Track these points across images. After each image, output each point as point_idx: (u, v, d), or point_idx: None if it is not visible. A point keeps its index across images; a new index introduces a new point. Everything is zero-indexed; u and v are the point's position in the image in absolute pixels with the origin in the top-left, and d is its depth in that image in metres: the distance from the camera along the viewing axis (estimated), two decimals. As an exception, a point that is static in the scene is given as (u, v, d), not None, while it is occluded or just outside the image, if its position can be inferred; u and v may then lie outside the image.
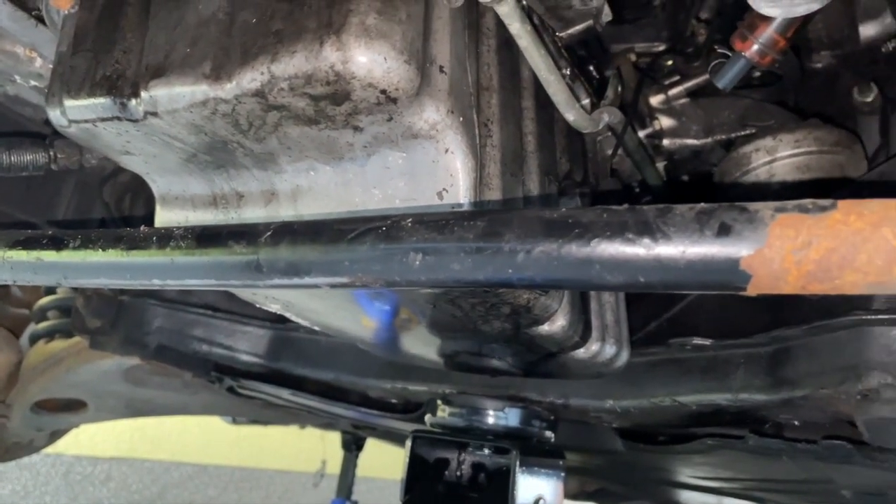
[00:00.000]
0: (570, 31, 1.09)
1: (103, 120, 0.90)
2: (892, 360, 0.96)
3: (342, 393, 1.83)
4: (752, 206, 0.58)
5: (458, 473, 1.56)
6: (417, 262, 0.65)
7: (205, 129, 0.87)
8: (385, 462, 3.70)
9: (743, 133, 1.49)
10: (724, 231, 0.58)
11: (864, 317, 0.99)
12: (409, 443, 1.52)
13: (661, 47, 1.64)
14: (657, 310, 1.40)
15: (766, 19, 1.15)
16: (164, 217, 1.06)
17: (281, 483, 4.84)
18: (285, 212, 0.95)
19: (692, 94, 1.54)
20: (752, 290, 0.59)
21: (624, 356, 1.24)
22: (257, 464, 4.87)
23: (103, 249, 0.82)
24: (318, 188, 0.92)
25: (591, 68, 1.37)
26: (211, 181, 0.99)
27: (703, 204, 0.60)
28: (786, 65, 1.48)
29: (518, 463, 1.42)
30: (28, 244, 0.88)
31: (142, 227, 0.83)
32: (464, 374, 1.53)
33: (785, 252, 0.56)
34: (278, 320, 1.74)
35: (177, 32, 0.86)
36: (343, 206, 0.90)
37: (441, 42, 0.84)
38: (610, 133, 1.33)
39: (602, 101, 1.26)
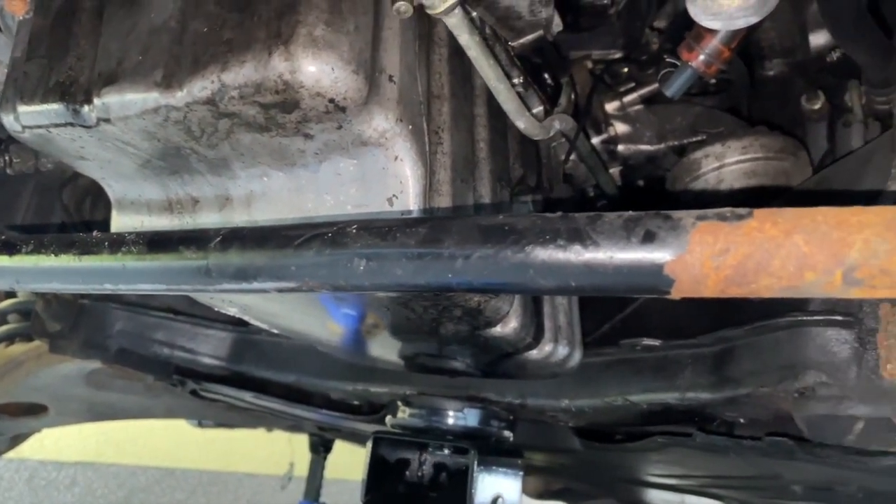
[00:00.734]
0: (522, 40, 1.12)
1: (57, 126, 0.91)
2: (828, 360, 1.00)
3: (305, 395, 1.84)
4: (676, 214, 0.61)
5: (420, 474, 1.58)
6: (361, 268, 0.68)
7: (158, 136, 0.88)
8: (353, 464, 3.70)
9: (694, 139, 1.53)
10: (648, 238, 0.61)
11: (801, 318, 1.03)
12: (370, 444, 1.54)
13: (618, 55, 1.68)
14: (611, 311, 1.44)
15: (712, 31, 1.19)
16: (120, 222, 1.07)
17: (249, 486, 4.81)
18: (239, 217, 0.96)
19: (646, 100, 1.59)
20: (675, 294, 0.62)
21: (577, 357, 1.27)
22: (225, 467, 4.84)
23: (56, 254, 0.83)
24: (271, 194, 0.93)
25: (547, 76, 1.40)
26: (166, 186, 1.00)
27: (630, 212, 0.63)
28: (735, 73, 1.53)
29: (476, 462, 1.44)
30: (-20, 249, 0.88)
31: (94, 232, 0.85)
32: (424, 375, 1.55)
33: (705, 258, 0.59)
34: (240, 323, 1.74)
35: (129, 40, 0.88)
36: (296, 212, 0.92)
37: (391, 52, 0.86)
38: (564, 139, 1.37)
39: (555, 108, 1.29)
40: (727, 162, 1.41)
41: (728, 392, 1.15)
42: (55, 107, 0.89)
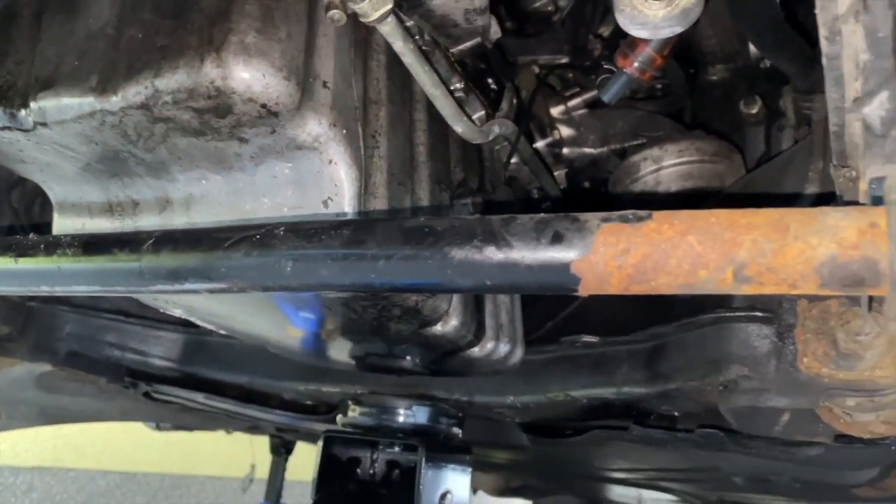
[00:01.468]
0: (461, 47, 1.15)
1: (-5, 129, 0.92)
2: (749, 354, 1.05)
3: (258, 396, 1.85)
4: (583, 216, 0.65)
5: (372, 471, 1.61)
6: (288, 269, 0.70)
7: (95, 140, 0.90)
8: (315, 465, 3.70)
9: (634, 143, 1.58)
10: (557, 239, 0.64)
11: (724, 314, 1.08)
12: (320, 443, 1.56)
13: (564, 60, 1.72)
14: (554, 310, 1.48)
15: (644, 39, 1.24)
16: (62, 224, 1.08)
17: (211, 489, 4.78)
18: (179, 219, 0.98)
19: (590, 105, 1.63)
20: (582, 291, 0.65)
21: (518, 354, 1.31)
22: (186, 470, 4.80)
23: (-8, 257, 0.84)
24: (209, 196, 0.95)
25: (490, 80, 1.43)
26: (106, 189, 1.02)
27: (542, 214, 0.66)
28: (673, 79, 1.58)
29: (424, 459, 1.47)
30: (-84, 252, 0.89)
31: (31, 235, 0.86)
32: (374, 375, 1.57)
33: (608, 258, 0.63)
34: (192, 324, 1.75)
35: (67, 45, 0.89)
36: (234, 214, 0.94)
37: (325, 58, 0.89)
38: (507, 143, 1.40)
39: (497, 112, 1.33)
40: (664, 165, 1.46)
41: (660, 386, 1.20)
42: (-7, 111, 0.90)
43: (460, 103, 1.24)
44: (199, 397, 1.84)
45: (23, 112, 0.89)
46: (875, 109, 0.59)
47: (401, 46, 0.94)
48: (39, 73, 0.89)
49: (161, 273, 0.76)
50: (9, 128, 0.91)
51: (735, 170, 1.46)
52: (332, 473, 1.58)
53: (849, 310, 0.92)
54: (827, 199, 1.03)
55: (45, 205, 1.75)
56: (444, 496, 1.54)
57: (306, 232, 0.70)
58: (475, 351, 1.24)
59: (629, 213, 0.64)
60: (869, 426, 1.05)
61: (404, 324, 1.09)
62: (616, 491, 3.37)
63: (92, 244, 0.80)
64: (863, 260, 0.57)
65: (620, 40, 1.29)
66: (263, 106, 0.80)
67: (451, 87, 1.22)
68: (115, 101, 0.83)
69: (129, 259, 0.77)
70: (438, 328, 1.12)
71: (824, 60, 0.65)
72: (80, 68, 0.86)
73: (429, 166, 1.10)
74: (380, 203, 0.94)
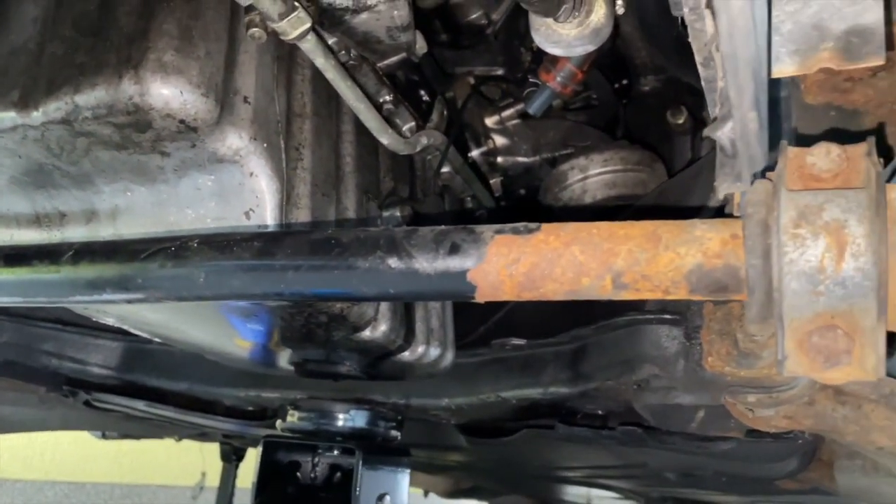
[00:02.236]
0: (387, 61, 1.19)
1: (-82, 141, 0.93)
2: (660, 354, 1.11)
3: (202, 403, 1.86)
4: (479, 228, 0.69)
5: (313, 475, 1.64)
6: (201, 279, 0.73)
7: (19, 153, 0.91)
8: (266, 471, 3.69)
9: (564, 152, 1.64)
10: (454, 250, 0.68)
11: (637, 317, 1.14)
12: (260, 448, 1.58)
13: (499, 72, 1.77)
14: (486, 314, 1.53)
15: (565, 56, 1.29)
16: (-11, 235, 1.08)
17: (162, 498, 4.73)
18: (106, 230, 1.00)
19: (523, 115, 1.69)
20: (479, 298, 0.70)
21: (449, 357, 1.35)
22: (136, 479, 4.74)
23: (-87, 269, 0.85)
24: (135, 208, 0.97)
25: (423, 92, 1.47)
26: (33, 201, 1.03)
27: (442, 227, 0.71)
28: (600, 91, 1.64)
29: (362, 462, 1.51)
30: None
31: (-47, 248, 0.87)
32: (313, 380, 1.60)
33: (500, 267, 0.68)
34: (130, 332, 1.75)
35: (-11, 60, 0.90)
36: (159, 226, 0.97)
37: (246, 74, 0.92)
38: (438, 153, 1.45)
39: (428, 123, 1.37)
40: (590, 174, 1.52)
41: (582, 386, 1.25)
42: (-84, 123, 0.91)
43: (390, 115, 1.28)
44: (141, 405, 1.84)
45: (-54, 126, 0.90)
46: (727, 132, 0.65)
47: (322, 62, 0.98)
48: (-38, 88, 0.90)
49: (80, 284, 0.78)
50: (-68, 141, 0.92)
51: (657, 178, 1.53)
52: (271, 478, 1.60)
53: (746, 312, 0.99)
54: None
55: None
56: (381, 497, 1.58)
57: (219, 244, 0.73)
58: (406, 355, 1.28)
59: (521, 225, 0.69)
60: (771, 421, 1.12)
61: (332, 330, 1.12)
62: (566, 490, 3.44)
63: (13, 256, 0.82)
64: (725, 268, 0.63)
65: (544, 55, 1.35)
66: (182, 121, 0.83)
67: (381, 100, 1.26)
68: (35, 116, 0.85)
69: (48, 271, 0.79)
70: (367, 333, 1.16)
71: (703, 83, 0.71)
72: (2, 83, 0.88)
73: (356, 177, 1.13)
74: (303, 214, 0.98)
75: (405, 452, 1.65)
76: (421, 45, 1.21)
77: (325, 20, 1.01)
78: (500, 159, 1.72)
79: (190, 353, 1.74)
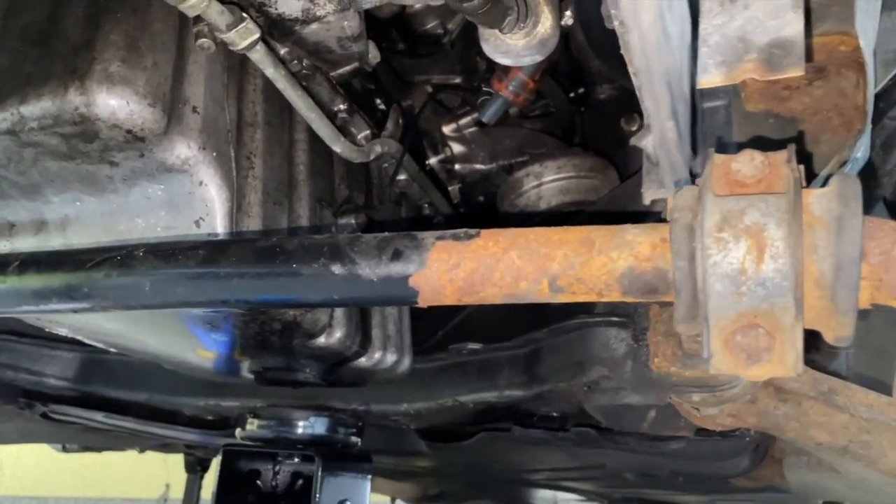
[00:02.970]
0: (340, 71, 1.20)
1: None
2: (609, 356, 1.14)
3: (162, 413, 1.85)
4: (421, 235, 0.71)
5: (274, 483, 1.64)
6: (147, 288, 0.74)
7: (-36, 163, 0.91)
8: (232, 481, 3.66)
9: (520, 159, 1.67)
10: (397, 256, 0.70)
11: (587, 319, 1.16)
12: (219, 457, 1.58)
13: (456, 80, 1.80)
14: (445, 318, 1.54)
15: (517, 65, 1.32)
16: (-62, 246, 1.07)
17: (127, 511, 4.66)
18: (55, 240, 1.00)
19: (480, 123, 1.71)
20: (421, 303, 0.72)
21: (406, 362, 1.37)
22: (100, 493, 4.66)
23: None
24: (85, 217, 0.98)
25: (380, 100, 1.49)
26: (-19, 211, 1.02)
27: (385, 233, 0.72)
28: (554, 99, 1.67)
29: (321, 469, 1.51)
30: None
31: None
32: (273, 388, 1.60)
33: (441, 272, 0.69)
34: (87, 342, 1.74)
35: (-65, 71, 0.90)
36: (109, 235, 0.97)
37: (195, 84, 0.93)
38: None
39: (383, 131, 1.38)
40: (545, 180, 1.55)
41: (536, 389, 1.27)
42: None
43: (344, 123, 1.29)
44: (99, 416, 1.82)
45: None
46: (650, 141, 0.68)
47: (272, 72, 0.99)
48: None
49: (26, 294, 0.78)
50: None
51: (610, 184, 1.57)
52: (232, 487, 1.60)
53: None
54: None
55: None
56: (342, 503, 1.59)
57: (164, 253, 0.74)
58: (363, 361, 1.29)
59: (461, 231, 0.71)
60: (717, 419, 1.15)
61: (287, 337, 1.13)
62: (532, 493, 3.47)
63: (-43, 267, 0.82)
64: (655, 270, 0.65)
65: (496, 65, 1.37)
66: (129, 132, 0.84)
67: (335, 108, 1.27)
68: (-20, 126, 0.84)
69: (-6, 281, 0.79)
70: (322, 340, 1.17)
71: (637, 93, 0.74)
72: (-53, 93, 0.87)
73: (309, 185, 1.14)
74: (254, 222, 0.99)
75: (366, 458, 1.66)
76: (374, 55, 1.23)
77: (275, 31, 1.02)
78: (457, 166, 1.74)
79: (148, 362, 1.74)
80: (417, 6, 1.58)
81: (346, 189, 1.29)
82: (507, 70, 1.34)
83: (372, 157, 1.26)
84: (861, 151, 1.06)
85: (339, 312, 1.17)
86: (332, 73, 1.22)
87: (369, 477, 1.65)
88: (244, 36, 0.92)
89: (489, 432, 1.43)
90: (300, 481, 1.63)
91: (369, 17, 1.19)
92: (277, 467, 1.63)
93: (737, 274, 0.61)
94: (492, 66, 1.67)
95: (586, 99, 1.78)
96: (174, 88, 0.89)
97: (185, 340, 1.32)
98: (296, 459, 1.59)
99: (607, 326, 1.14)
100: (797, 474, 1.48)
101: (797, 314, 0.60)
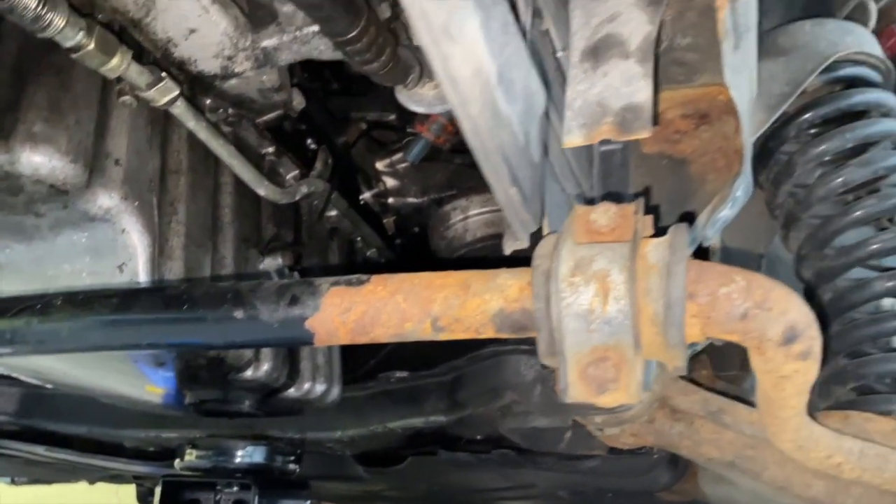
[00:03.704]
0: (265, 118, 1.27)
1: None
2: (520, 382, 1.22)
3: (103, 445, 1.88)
4: (317, 281, 0.78)
5: (216, 512, 1.68)
6: (65, 334, 0.80)
7: None
8: (185, 511, 3.64)
9: (449, 193, 1.75)
10: (294, 301, 0.77)
11: (500, 348, 1.25)
12: (158, 488, 1.62)
13: (391, 117, 1.88)
14: (376, 348, 1.61)
15: (435, 108, 1.41)
16: None
17: (79, 544, 4.57)
18: (-15, 285, 1.04)
19: (411, 159, 1.79)
20: (318, 343, 0.79)
21: (335, 392, 1.43)
22: (51, 527, 4.58)
23: None
24: (14, 264, 1.03)
25: (311, 140, 1.56)
26: (-88, 258, 1.07)
27: (285, 280, 0.80)
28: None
29: (257, 496, 1.56)
30: None
31: None
32: (211, 418, 1.65)
33: (334, 315, 0.77)
34: (28, 378, 1.76)
35: None
36: (38, 281, 1.02)
37: (118, 138, 0.99)
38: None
39: (312, 171, 1.46)
40: (471, 214, 1.64)
41: (457, 414, 1.35)
42: None
43: (272, 165, 1.37)
44: (41, 450, 1.84)
45: None
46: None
47: (193, 125, 1.06)
48: None
49: (-49, 341, 0.83)
50: None
51: (532, 217, 1.66)
52: (172, 517, 1.63)
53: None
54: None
55: None
56: (280, 530, 1.64)
57: (80, 301, 0.80)
58: (292, 391, 1.35)
59: (354, 277, 0.78)
60: (620, 438, 1.24)
61: (214, 372, 1.19)
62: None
63: None
64: (522, 311, 0.73)
65: (418, 108, 1.46)
66: (52, 186, 0.90)
67: (263, 152, 1.34)
68: None
69: (-79, 329, 0.84)
70: (250, 373, 1.23)
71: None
72: None
73: (235, 226, 1.21)
74: (177, 265, 1.05)
75: (304, 485, 1.71)
76: (298, 101, 1.30)
77: (197, 86, 1.09)
78: (391, 200, 1.82)
79: (89, 396, 1.77)
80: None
81: (274, 227, 1.35)
82: (427, 114, 1.42)
83: (298, 197, 1.33)
84: (741, 191, 1.17)
85: (266, 347, 1.24)
86: (258, 120, 1.29)
87: (307, 503, 1.70)
88: (164, 93, 0.99)
89: (417, 456, 1.50)
90: (242, 510, 1.67)
91: (306, 60, 1.26)
92: (218, 496, 1.67)
93: (587, 314, 0.69)
94: (419, 105, 1.75)
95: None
96: (96, 143, 0.95)
97: (131, 378, 1.37)
98: (234, 488, 1.64)
99: (519, 354, 1.23)
100: (710, 488, 1.58)
101: (636, 348, 0.68)
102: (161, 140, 1.10)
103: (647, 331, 0.69)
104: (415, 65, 1.02)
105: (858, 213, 1.32)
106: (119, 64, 0.92)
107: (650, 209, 1.11)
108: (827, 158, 1.38)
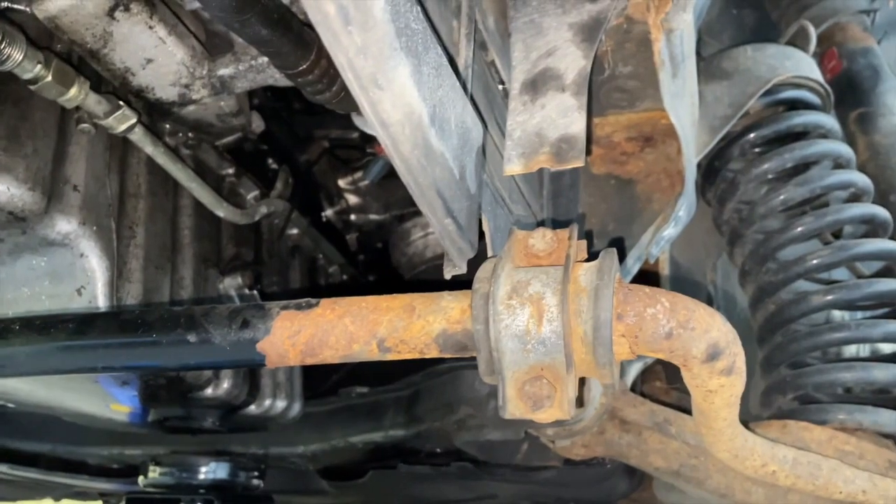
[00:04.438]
0: (224, 141, 1.30)
1: None
2: (475, 396, 1.26)
3: (67, 462, 1.88)
4: (268, 305, 0.81)
5: (180, 528, 1.69)
6: (23, 358, 0.82)
7: None
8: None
9: (410, 210, 1.79)
10: (245, 325, 0.80)
11: (455, 364, 1.28)
12: (122, 505, 1.62)
13: (354, 135, 1.92)
14: (338, 365, 1.64)
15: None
16: None
17: (44, 564, 4.51)
18: (-55, 309, 1.06)
19: (373, 177, 1.83)
20: (269, 365, 0.82)
21: (296, 408, 1.46)
22: (16, 547, 4.51)
23: None
24: (-27, 288, 1.04)
25: (272, 160, 1.59)
26: None
27: (237, 304, 0.82)
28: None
29: (220, 512, 1.58)
30: None
31: None
32: (174, 435, 1.66)
33: (284, 338, 0.80)
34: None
35: None
36: (-4, 304, 1.04)
37: (76, 164, 1.01)
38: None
39: (272, 191, 1.49)
40: (430, 231, 1.68)
41: (415, 428, 1.38)
42: None
43: (233, 186, 1.40)
44: (4, 468, 1.84)
45: None
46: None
47: (151, 150, 1.09)
48: None
49: None
50: None
51: (490, 234, 1.70)
52: (135, 535, 1.64)
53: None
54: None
55: None
56: (243, 546, 1.65)
57: (38, 326, 0.82)
58: (253, 408, 1.37)
59: (303, 301, 0.81)
60: (573, 450, 1.29)
61: (174, 390, 1.21)
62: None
63: None
64: (463, 332, 0.77)
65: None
66: (11, 213, 0.92)
67: (223, 173, 1.37)
68: None
69: None
70: (210, 391, 1.25)
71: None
72: None
73: (194, 247, 1.24)
74: (135, 287, 1.07)
75: (268, 500, 1.73)
76: (257, 124, 1.33)
77: (155, 112, 1.12)
78: (353, 217, 1.86)
79: (52, 415, 1.77)
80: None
81: (234, 247, 1.38)
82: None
83: (257, 217, 1.36)
84: (683, 210, 1.22)
85: (225, 365, 1.26)
86: (217, 142, 1.32)
87: (271, 518, 1.72)
88: (122, 121, 1.01)
89: (379, 470, 1.53)
90: (206, 526, 1.68)
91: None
92: (182, 513, 1.68)
93: (523, 334, 0.73)
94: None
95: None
96: (55, 170, 0.97)
97: (96, 397, 1.38)
98: (198, 504, 1.65)
99: (473, 369, 1.26)
100: (664, 495, 1.63)
101: (569, 367, 0.72)
102: (120, 165, 1.12)
103: (578, 350, 0.73)
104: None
105: (798, 229, 1.39)
106: (77, 94, 0.95)
107: (586, 234, 1.16)
108: (769, 177, 1.45)
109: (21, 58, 0.87)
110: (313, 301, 0.81)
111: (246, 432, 1.61)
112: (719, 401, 0.83)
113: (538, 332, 0.73)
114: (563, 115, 0.83)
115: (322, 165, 1.87)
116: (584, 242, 0.80)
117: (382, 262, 1.93)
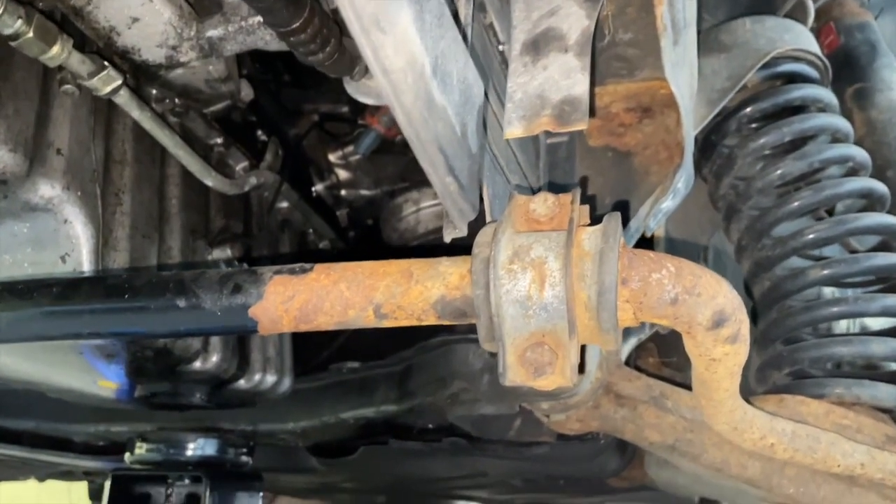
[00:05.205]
0: (213, 108, 1.27)
1: None
2: (468, 370, 1.24)
3: (51, 440, 1.85)
4: (260, 269, 0.79)
5: (169, 505, 1.67)
6: (5, 324, 0.79)
7: None
8: (139, 508, 3.59)
9: (401, 186, 1.76)
10: (237, 290, 0.77)
11: (449, 338, 1.26)
12: (108, 482, 1.60)
13: (344, 109, 1.88)
14: (328, 339, 1.62)
15: (386, 99, 1.42)
16: None
17: (29, 544, 4.48)
18: (-77, 277, 1.02)
19: (364, 151, 1.80)
20: (261, 331, 0.79)
21: (287, 383, 1.43)
22: (0, 527, 4.47)
23: None
24: (-47, 255, 1.01)
25: (261, 132, 1.56)
26: None
27: (228, 269, 0.80)
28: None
29: (210, 488, 1.56)
30: None
31: None
32: (162, 412, 1.63)
33: (277, 303, 0.77)
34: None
35: None
36: (-23, 271, 1.00)
37: (60, 127, 0.98)
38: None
39: (262, 163, 1.45)
40: (423, 206, 1.65)
41: (407, 403, 1.36)
42: None
43: (221, 157, 1.36)
44: (-15, 447, 1.81)
45: None
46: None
47: (137, 114, 1.05)
48: None
49: None
50: None
51: (483, 209, 1.68)
52: (121, 512, 1.62)
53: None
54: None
55: None
56: (233, 522, 1.63)
57: (20, 290, 0.79)
58: (242, 383, 1.35)
59: (297, 266, 0.79)
60: (567, 424, 1.27)
61: (161, 363, 1.18)
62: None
63: None
64: (462, 298, 0.75)
65: (368, 100, 1.46)
66: (-10, 175, 0.88)
67: (211, 142, 1.34)
68: None
69: None
70: (198, 364, 1.22)
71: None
72: None
73: (182, 217, 1.20)
74: (121, 256, 1.04)
75: (257, 477, 1.71)
76: (246, 92, 1.30)
77: (141, 75, 1.08)
78: (343, 192, 1.83)
79: (35, 392, 1.74)
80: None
81: (223, 219, 1.35)
82: (378, 106, 1.43)
83: (246, 188, 1.33)
84: (682, 183, 1.20)
85: (214, 338, 1.23)
86: (205, 110, 1.28)
87: (260, 494, 1.70)
88: (107, 82, 0.98)
89: (369, 446, 1.51)
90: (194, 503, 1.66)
91: (256, 51, 1.25)
92: (170, 490, 1.66)
93: (524, 300, 0.71)
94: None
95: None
96: (37, 133, 0.94)
97: (82, 372, 1.35)
98: (186, 481, 1.63)
99: (467, 343, 1.25)
100: (655, 473, 1.62)
101: (571, 333, 0.70)
102: (105, 130, 1.08)
103: (581, 316, 0.71)
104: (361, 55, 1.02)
105: (794, 204, 1.37)
106: (59, 52, 0.91)
107: (588, 199, 1.14)
108: (766, 152, 1.43)
109: (1, 12, 0.83)
110: (307, 266, 0.79)
111: (235, 408, 1.59)
112: (722, 370, 0.82)
113: (540, 298, 0.71)
114: (566, 77, 0.81)
115: (312, 140, 1.84)
116: (586, 207, 0.78)
117: (373, 237, 1.90)
